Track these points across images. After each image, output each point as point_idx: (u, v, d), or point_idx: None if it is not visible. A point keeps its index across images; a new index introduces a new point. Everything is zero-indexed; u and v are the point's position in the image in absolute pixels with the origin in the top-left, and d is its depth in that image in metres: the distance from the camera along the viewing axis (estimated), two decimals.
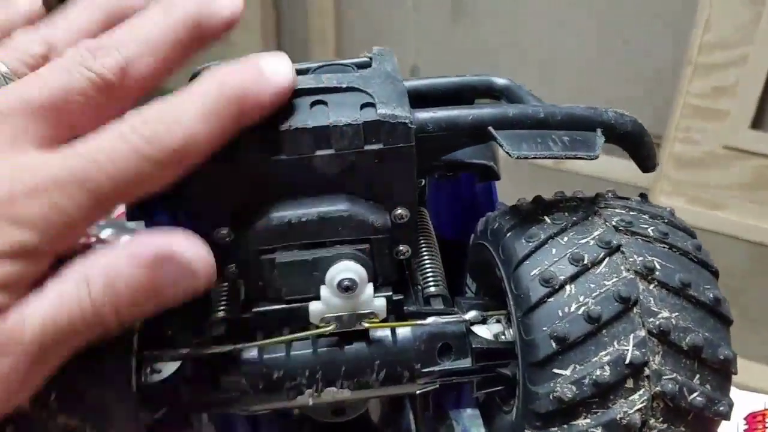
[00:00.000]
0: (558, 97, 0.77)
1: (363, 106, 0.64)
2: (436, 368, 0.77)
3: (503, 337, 0.78)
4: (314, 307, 0.71)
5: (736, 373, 0.61)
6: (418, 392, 0.83)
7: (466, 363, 0.77)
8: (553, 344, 0.61)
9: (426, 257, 0.88)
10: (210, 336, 0.79)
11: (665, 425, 0.61)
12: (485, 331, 0.79)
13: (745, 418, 2.25)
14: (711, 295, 0.61)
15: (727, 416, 0.62)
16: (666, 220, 0.67)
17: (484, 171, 0.90)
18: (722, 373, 0.61)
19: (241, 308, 0.81)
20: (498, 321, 0.80)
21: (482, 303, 0.80)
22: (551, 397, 0.60)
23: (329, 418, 0.86)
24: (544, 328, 0.61)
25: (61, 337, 0.45)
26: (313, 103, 0.63)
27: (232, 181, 0.69)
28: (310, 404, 0.75)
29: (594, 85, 3.38)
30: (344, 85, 0.64)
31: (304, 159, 0.69)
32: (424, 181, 0.94)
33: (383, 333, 0.77)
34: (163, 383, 0.76)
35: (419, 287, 0.85)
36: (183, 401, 0.76)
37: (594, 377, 0.58)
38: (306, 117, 0.62)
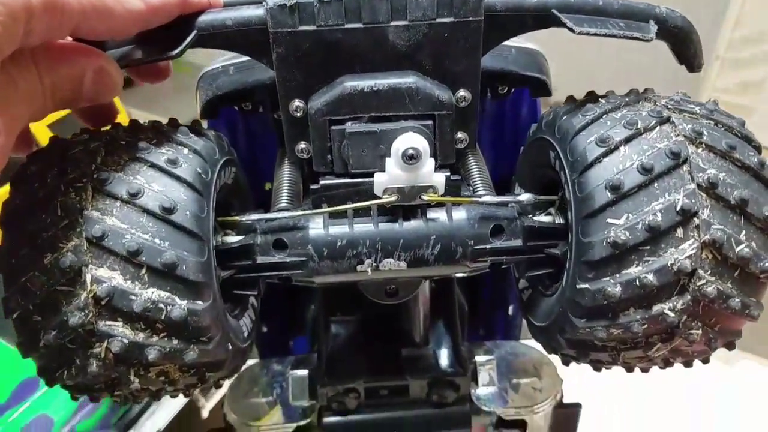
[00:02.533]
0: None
1: None
2: (488, 246, 0.80)
3: (556, 220, 0.80)
4: (379, 177, 0.75)
5: None
6: (466, 274, 0.86)
7: (516, 243, 0.80)
8: (608, 194, 0.64)
9: (475, 168, 0.91)
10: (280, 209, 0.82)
11: (714, 277, 0.63)
12: (538, 220, 0.81)
13: None
14: (756, 160, 0.64)
15: (755, 317, 0.64)
16: (711, 107, 0.70)
17: (537, 85, 0.93)
18: (767, 231, 0.63)
19: (310, 181, 0.85)
20: (548, 214, 0.82)
21: (534, 195, 0.82)
22: (605, 243, 0.63)
23: (384, 299, 0.89)
24: (600, 181, 0.64)
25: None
26: None
27: (310, 48, 0.72)
28: (369, 274, 0.78)
29: (616, 80, 3.38)
30: None
31: (379, 29, 0.73)
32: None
33: (439, 212, 0.80)
34: (235, 245, 0.80)
35: (471, 188, 0.87)
36: (252, 263, 0.80)
37: (647, 222, 0.61)
38: None
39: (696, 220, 0.63)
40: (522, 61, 0.96)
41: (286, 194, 0.89)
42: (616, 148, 0.67)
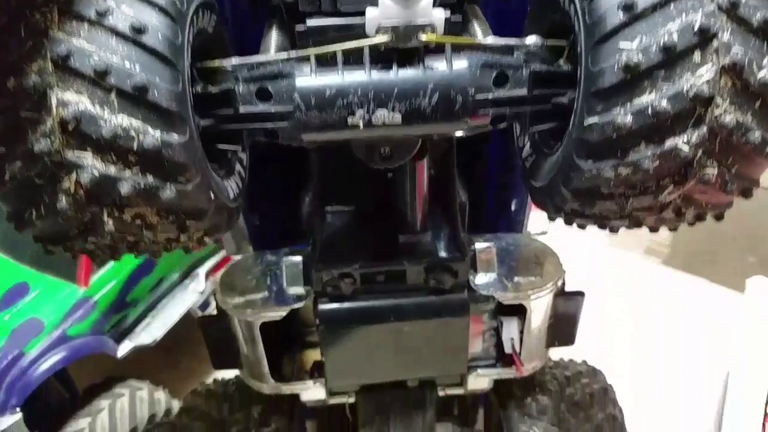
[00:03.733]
0: None
1: None
2: (491, 95, 0.72)
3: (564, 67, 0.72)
4: (371, 13, 0.66)
5: None
6: (465, 131, 0.77)
7: (521, 91, 0.72)
8: (621, 14, 0.57)
9: (479, 13, 0.82)
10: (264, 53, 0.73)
11: (733, 107, 0.56)
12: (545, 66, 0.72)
13: None
14: None
15: None
16: None
17: None
18: None
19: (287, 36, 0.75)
20: (557, 65, 0.74)
21: (542, 38, 0.74)
22: (617, 67, 0.56)
23: (377, 163, 0.81)
24: (612, 2, 0.56)
25: None
26: None
27: None
28: (361, 128, 0.70)
29: None
30: None
31: None
32: None
33: (438, 58, 0.71)
34: (215, 91, 0.71)
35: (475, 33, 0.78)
36: (234, 112, 0.72)
37: (662, 43, 0.54)
38: None
39: (715, 43, 0.57)
40: None
41: (274, 42, 0.80)
42: None
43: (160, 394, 2.15)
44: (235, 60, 0.73)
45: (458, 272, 1.12)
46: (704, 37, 0.56)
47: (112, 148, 0.58)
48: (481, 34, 0.80)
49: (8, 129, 0.59)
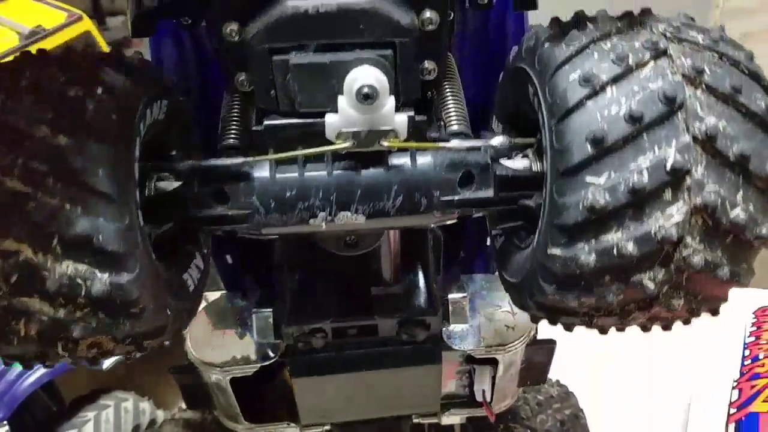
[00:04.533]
0: None
1: None
2: (456, 197, 0.69)
3: (530, 166, 0.69)
4: (330, 119, 0.62)
5: None
6: (433, 225, 0.75)
7: (488, 193, 0.70)
8: (589, 147, 0.52)
9: (450, 96, 0.79)
10: (220, 151, 0.70)
11: (702, 245, 0.53)
12: (511, 164, 0.70)
13: (754, 313, 2.18)
14: (763, 105, 0.51)
15: (766, 242, 0.53)
16: (716, 34, 0.56)
17: None
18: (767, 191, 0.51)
19: (254, 123, 0.72)
20: (525, 156, 0.71)
21: (509, 137, 0.71)
22: (581, 206, 0.52)
23: (342, 250, 0.79)
24: (581, 132, 0.52)
25: None
26: None
27: None
28: (323, 228, 0.67)
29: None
30: None
31: None
32: (452, 15, 0.82)
33: (402, 158, 0.68)
34: (168, 196, 0.68)
35: (442, 123, 0.75)
36: (189, 215, 0.69)
37: (631, 183, 0.50)
38: None
39: (688, 180, 0.53)
40: None
41: (234, 130, 0.76)
42: (602, 89, 0.55)
43: (145, 405, 2.15)
44: (189, 162, 0.70)
45: (431, 325, 1.11)
46: (676, 176, 0.53)
47: (60, 295, 0.55)
48: (450, 95, 0.77)
49: None
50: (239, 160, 0.68)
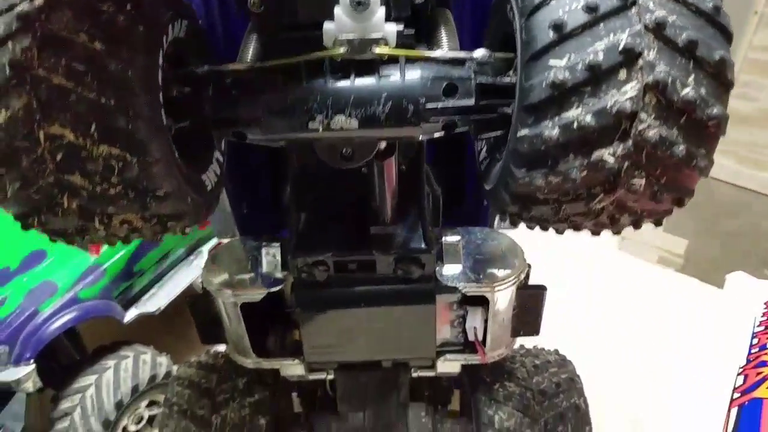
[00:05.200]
0: None
1: None
2: (440, 105, 0.75)
3: (508, 79, 0.75)
4: (328, 26, 0.69)
5: (732, 82, 0.58)
6: (423, 137, 0.81)
7: (469, 102, 0.75)
8: (551, 33, 0.59)
9: (442, 22, 0.84)
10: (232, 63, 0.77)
11: (657, 122, 0.59)
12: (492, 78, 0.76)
13: (765, 303, 2.19)
14: (710, 4, 0.57)
15: (719, 124, 0.59)
16: None
17: None
18: (718, 76, 0.58)
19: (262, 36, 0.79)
20: (507, 76, 0.76)
21: (490, 51, 0.76)
22: (545, 84, 0.59)
23: (340, 163, 0.86)
24: (544, 22, 0.59)
25: None
26: None
27: None
28: (320, 132, 0.74)
29: None
30: None
31: None
32: None
33: (392, 69, 0.75)
34: (187, 96, 0.75)
35: (435, 45, 0.81)
36: (203, 116, 0.76)
37: (588, 62, 0.56)
38: None
39: (640, 62, 0.59)
40: None
41: (249, 51, 0.84)
42: None
43: (162, 359, 2.25)
44: (205, 68, 0.78)
45: (425, 264, 1.17)
46: (629, 57, 0.59)
47: (97, 173, 0.64)
48: (446, 40, 0.84)
49: (5, 156, 0.65)
50: (247, 65, 0.76)
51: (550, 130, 0.61)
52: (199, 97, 0.77)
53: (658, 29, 0.58)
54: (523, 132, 0.64)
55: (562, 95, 0.61)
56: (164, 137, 0.69)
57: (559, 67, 0.60)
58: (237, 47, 1.10)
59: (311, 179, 1.20)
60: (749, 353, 2.04)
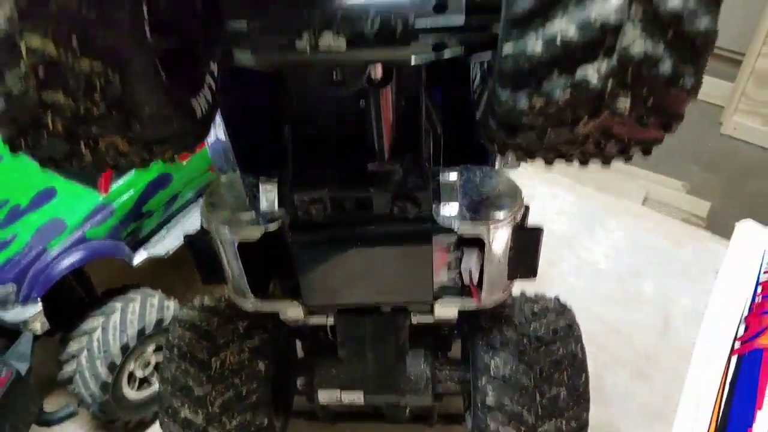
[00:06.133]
0: None
1: None
2: (429, 22, 0.71)
3: None
4: None
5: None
6: (413, 60, 0.78)
7: (459, 20, 0.71)
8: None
9: None
10: None
11: (642, 36, 0.56)
12: None
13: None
14: None
15: (707, 39, 0.54)
16: None
17: None
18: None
19: None
20: None
21: None
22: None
23: (329, 89, 0.82)
24: None
25: None
26: None
27: None
28: (308, 53, 0.71)
29: None
30: None
31: None
32: None
33: None
34: (173, 14, 0.71)
35: None
36: (190, 35, 0.73)
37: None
38: None
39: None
40: None
41: None
42: None
43: (170, 303, 2.25)
44: None
45: (421, 202, 1.14)
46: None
47: (79, 89, 0.62)
48: None
49: None
50: None
51: (534, 45, 0.58)
52: (185, 12, 0.74)
53: None
54: (508, 49, 0.61)
55: (546, 5, 0.57)
56: (148, 54, 0.66)
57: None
58: None
59: (309, 115, 1.17)
60: (753, 302, 2.00)
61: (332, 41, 0.72)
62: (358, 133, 1.12)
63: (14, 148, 0.71)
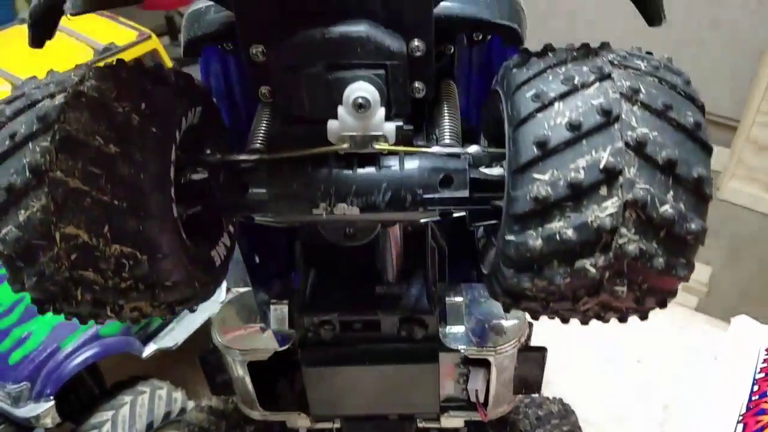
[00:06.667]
0: None
1: None
2: (436, 195, 0.77)
3: (501, 172, 0.76)
4: (332, 125, 0.72)
5: (710, 196, 0.59)
6: (422, 221, 0.83)
7: (463, 193, 0.77)
8: (535, 149, 0.60)
9: (446, 116, 0.87)
10: (244, 151, 0.80)
11: (636, 236, 0.60)
12: (487, 171, 0.77)
13: (766, 350, 2.15)
14: (692, 120, 0.59)
15: (698, 237, 0.60)
16: (661, 63, 0.64)
17: (507, 33, 0.87)
18: (696, 192, 0.59)
19: (273, 129, 0.82)
20: (500, 166, 0.78)
21: (488, 150, 0.79)
22: (528, 197, 0.60)
23: (344, 241, 0.88)
24: (529, 137, 0.61)
25: None
26: None
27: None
28: (324, 217, 0.76)
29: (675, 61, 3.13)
30: None
31: None
32: (453, 49, 0.91)
33: (392, 161, 0.77)
34: (198, 183, 0.78)
35: (434, 137, 0.83)
36: (215, 201, 0.79)
37: (569, 179, 0.58)
38: None
39: (620, 179, 0.60)
40: (495, 8, 0.90)
41: (261, 135, 0.87)
42: (550, 104, 0.63)
43: (178, 394, 2.27)
44: (216, 157, 0.81)
45: (428, 324, 1.18)
46: (609, 175, 0.60)
47: (109, 270, 0.67)
48: (447, 122, 0.86)
49: (24, 252, 0.67)
50: (255, 157, 0.78)
51: (534, 240, 0.63)
52: (209, 184, 0.80)
53: (639, 147, 0.59)
54: (510, 237, 0.65)
55: (545, 209, 0.62)
56: (175, 233, 0.71)
57: (543, 181, 0.62)
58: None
59: (318, 240, 1.22)
60: (749, 400, 2.00)
61: (346, 210, 0.77)
62: (366, 258, 1.17)
63: (42, 311, 0.75)
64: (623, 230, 0.61)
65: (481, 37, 0.93)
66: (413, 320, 1.18)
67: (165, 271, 0.70)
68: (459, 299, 1.22)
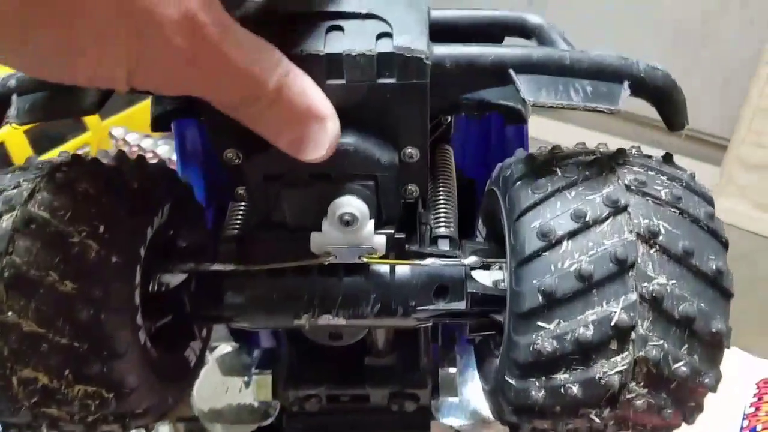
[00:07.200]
0: None
1: (380, 36, 0.55)
2: (431, 307, 0.71)
3: (502, 285, 0.70)
4: (316, 237, 0.65)
5: (728, 347, 0.53)
6: (415, 326, 0.77)
7: (460, 306, 0.71)
8: (540, 298, 0.54)
9: (441, 197, 0.81)
10: (217, 253, 0.73)
11: (646, 390, 0.54)
12: (486, 277, 0.72)
13: (756, 384, 2.12)
14: (714, 266, 0.52)
15: (713, 389, 0.54)
16: (684, 183, 0.57)
17: (511, 113, 0.80)
18: (713, 345, 0.53)
19: (249, 230, 0.75)
20: (500, 268, 0.72)
21: (487, 249, 0.73)
22: (531, 348, 0.54)
23: (327, 342, 0.81)
24: (534, 281, 0.54)
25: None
26: (330, 29, 0.55)
27: None
28: (306, 327, 0.70)
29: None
30: (363, 11, 0.54)
31: None
32: (450, 118, 0.85)
33: (382, 269, 0.70)
34: (167, 294, 0.71)
35: (429, 226, 0.77)
36: (186, 313, 0.72)
37: (576, 335, 0.51)
38: (320, 43, 0.53)
39: (632, 335, 0.54)
40: (497, 89, 0.83)
41: (237, 221, 0.80)
42: (558, 243, 0.56)
43: (165, 429, 2.18)
44: (190, 265, 0.74)
45: (420, 398, 1.12)
46: (621, 331, 0.54)
47: (76, 409, 0.61)
48: (444, 222, 0.79)
49: None
50: (231, 267, 0.71)
51: (537, 390, 0.57)
52: (180, 295, 0.72)
53: (654, 302, 0.53)
54: (510, 381, 0.61)
55: (549, 362, 0.56)
56: (143, 364, 0.65)
57: (547, 331, 0.56)
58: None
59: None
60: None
61: (331, 320, 0.70)
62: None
63: None
64: (632, 385, 0.56)
65: (478, 114, 0.86)
66: (404, 394, 1.11)
67: (134, 401, 0.64)
68: (452, 370, 1.16)
